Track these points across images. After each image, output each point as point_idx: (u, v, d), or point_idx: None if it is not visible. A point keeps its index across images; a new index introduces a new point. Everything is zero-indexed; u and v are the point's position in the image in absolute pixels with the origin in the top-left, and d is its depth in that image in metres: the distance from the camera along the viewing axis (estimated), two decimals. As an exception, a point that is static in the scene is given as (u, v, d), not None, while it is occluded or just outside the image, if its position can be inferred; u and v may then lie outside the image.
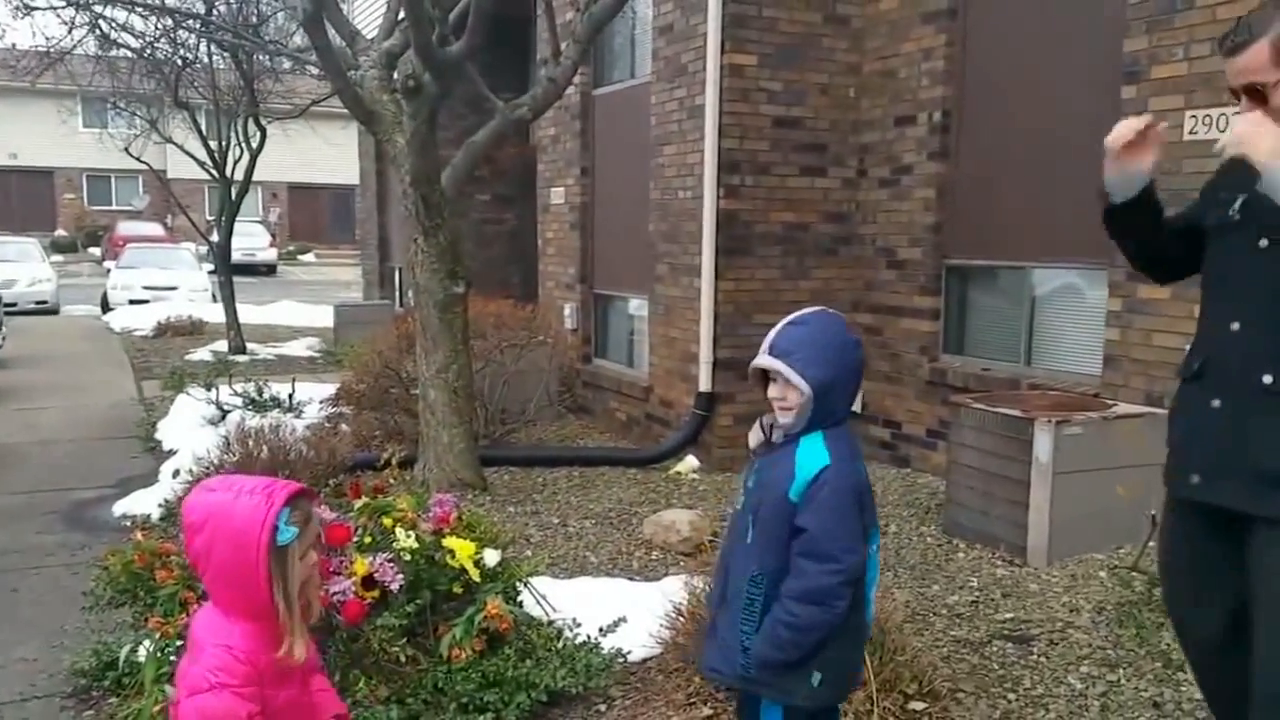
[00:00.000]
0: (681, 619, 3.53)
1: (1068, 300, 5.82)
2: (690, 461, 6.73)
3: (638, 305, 8.09)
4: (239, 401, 7.69)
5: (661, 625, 3.60)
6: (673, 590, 3.74)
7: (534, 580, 3.67)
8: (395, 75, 5.78)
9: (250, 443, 5.47)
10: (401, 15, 5.21)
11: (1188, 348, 2.51)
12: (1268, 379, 2.20)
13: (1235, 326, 2.27)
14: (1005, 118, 5.99)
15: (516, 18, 9.60)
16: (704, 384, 6.70)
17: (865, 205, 6.89)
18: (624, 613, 3.62)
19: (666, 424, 7.28)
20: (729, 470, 6.55)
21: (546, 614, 3.59)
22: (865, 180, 6.88)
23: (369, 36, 6.64)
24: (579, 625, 3.55)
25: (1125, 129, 2.40)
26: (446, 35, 5.15)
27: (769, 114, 6.62)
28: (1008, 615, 4.09)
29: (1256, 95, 2.24)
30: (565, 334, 8.71)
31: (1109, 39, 5.15)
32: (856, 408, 6.98)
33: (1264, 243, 2.25)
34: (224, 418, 7.34)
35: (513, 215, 12.70)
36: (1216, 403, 2.30)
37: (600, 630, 3.50)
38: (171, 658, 3.04)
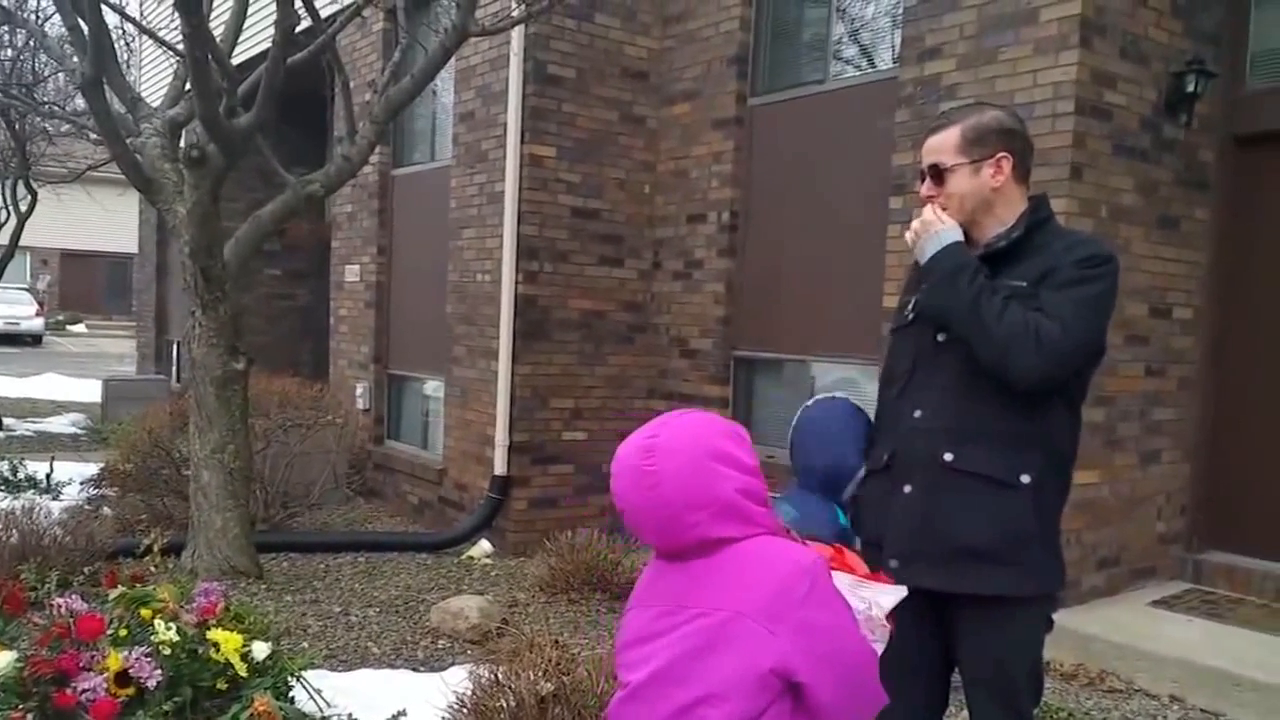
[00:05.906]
0: (464, 710, 3.43)
1: (846, 393, 6.15)
2: (484, 546, 6.62)
3: (434, 386, 7.99)
4: (-13, 483, 7.03)
5: (443, 718, 3.49)
6: (456, 680, 3.64)
7: (309, 673, 3.49)
8: (182, 143, 5.58)
9: (-3, 527, 5.00)
10: (189, 85, 5.04)
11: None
12: (949, 456, 2.31)
13: (918, 414, 2.38)
14: (787, 220, 6.37)
15: (314, 94, 9.44)
16: (499, 467, 6.65)
17: (660, 296, 7.12)
18: (405, 705, 3.48)
19: (460, 507, 7.16)
20: (523, 555, 6.49)
21: (320, 710, 3.41)
22: (660, 272, 7.13)
23: (154, 104, 6.38)
24: (355, 721, 3.39)
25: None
26: (235, 107, 5.02)
27: (568, 204, 6.77)
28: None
29: (939, 176, 2.38)
30: (357, 414, 8.46)
31: (880, 152, 5.59)
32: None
33: (942, 337, 2.40)
34: (-32, 500, 6.68)
35: (305, 291, 12.36)
36: (908, 488, 2.38)
37: (378, 725, 3.36)
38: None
